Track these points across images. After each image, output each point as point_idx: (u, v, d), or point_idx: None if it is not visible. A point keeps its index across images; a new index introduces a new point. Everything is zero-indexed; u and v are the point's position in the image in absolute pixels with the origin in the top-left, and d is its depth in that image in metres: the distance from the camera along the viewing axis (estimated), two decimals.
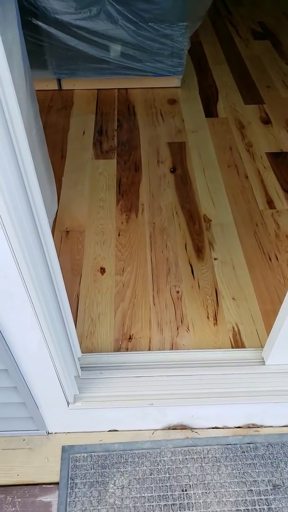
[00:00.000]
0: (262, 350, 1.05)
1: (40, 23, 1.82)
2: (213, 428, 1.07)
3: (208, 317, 1.18)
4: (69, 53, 1.93)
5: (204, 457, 1.04)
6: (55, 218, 1.47)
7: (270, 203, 1.55)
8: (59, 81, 2.12)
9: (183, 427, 1.07)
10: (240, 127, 1.92)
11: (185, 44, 1.95)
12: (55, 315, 0.81)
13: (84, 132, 1.90)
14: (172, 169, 1.70)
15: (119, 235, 1.43)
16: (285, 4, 2.98)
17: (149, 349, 1.10)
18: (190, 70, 2.31)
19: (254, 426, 1.08)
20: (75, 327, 0.98)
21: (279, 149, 1.79)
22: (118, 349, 1.10)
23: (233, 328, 1.16)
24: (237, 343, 1.12)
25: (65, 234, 1.42)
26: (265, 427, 1.08)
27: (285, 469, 1.03)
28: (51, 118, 1.98)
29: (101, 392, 0.98)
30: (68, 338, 0.90)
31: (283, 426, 1.08)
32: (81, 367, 1.00)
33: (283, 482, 1.01)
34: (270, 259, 1.35)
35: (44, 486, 0.99)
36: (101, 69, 2.03)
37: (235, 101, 2.09)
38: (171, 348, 1.11)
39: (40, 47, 1.91)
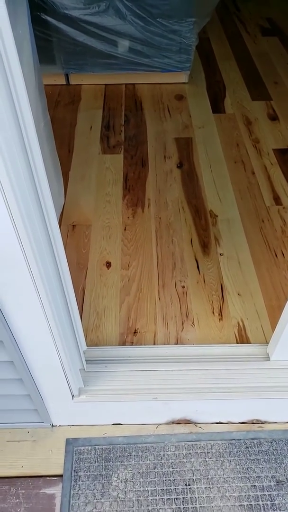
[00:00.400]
0: (267, 345, 1.05)
1: (49, 18, 1.82)
2: (217, 423, 1.07)
3: (213, 312, 1.18)
4: (77, 48, 1.93)
5: (207, 452, 1.04)
6: (62, 212, 1.47)
7: (277, 199, 1.54)
8: (67, 76, 2.12)
9: (187, 422, 1.07)
10: (247, 123, 1.91)
11: (193, 40, 1.94)
12: (62, 308, 0.81)
13: (91, 127, 1.90)
14: (178, 165, 1.70)
15: (125, 229, 1.43)
16: None
17: (154, 343, 1.10)
18: (198, 66, 2.29)
19: (258, 421, 1.08)
20: (80, 321, 0.98)
21: (286, 145, 1.78)
22: (123, 343, 1.10)
23: (238, 323, 1.15)
24: (242, 338, 1.12)
25: (71, 228, 1.43)
26: (269, 423, 1.08)
27: None
28: (59, 112, 1.98)
29: (105, 385, 0.98)
30: (74, 331, 0.90)
31: (287, 423, 1.08)
32: (86, 360, 1.01)
33: (286, 478, 1.00)
34: (276, 255, 1.34)
35: (48, 478, 1.00)
36: (109, 64, 2.02)
37: (242, 97, 2.08)
38: (176, 343, 1.11)
39: (48, 42, 1.91)
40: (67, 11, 1.77)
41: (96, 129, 1.88)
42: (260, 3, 2.91)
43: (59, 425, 1.06)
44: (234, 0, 2.96)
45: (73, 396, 0.97)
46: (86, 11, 1.78)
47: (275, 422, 1.08)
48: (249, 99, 2.06)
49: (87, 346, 1.05)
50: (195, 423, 1.07)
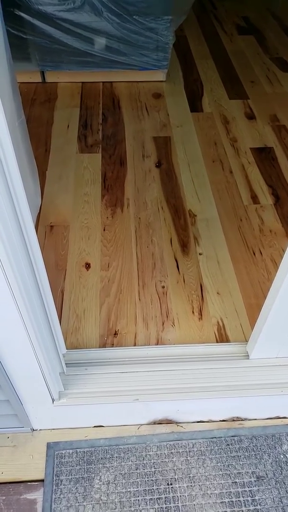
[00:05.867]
0: (246, 344, 1.06)
1: (22, 14, 1.77)
2: (198, 422, 1.08)
3: (193, 312, 1.18)
4: (53, 46, 1.90)
5: (189, 451, 1.05)
6: (39, 213, 1.45)
7: (254, 198, 1.56)
8: (42, 73, 2.09)
9: (168, 422, 1.07)
10: (224, 122, 1.92)
11: (170, 38, 1.94)
12: (39, 311, 0.80)
13: (68, 126, 1.87)
14: (157, 164, 1.70)
15: (104, 230, 1.42)
16: None
17: (135, 345, 1.10)
18: (175, 64, 2.30)
19: (238, 419, 1.10)
20: (59, 323, 0.97)
21: (263, 144, 1.81)
22: (103, 345, 1.10)
23: (217, 322, 1.17)
24: (222, 337, 1.13)
25: (49, 229, 1.40)
26: (249, 420, 1.10)
27: (268, 460, 1.04)
28: (35, 111, 1.95)
29: (86, 388, 0.97)
30: (52, 335, 0.89)
31: (267, 419, 1.10)
32: (66, 364, 1.00)
33: (266, 474, 1.02)
34: (254, 253, 1.36)
35: (29, 483, 0.98)
36: (86, 62, 2.00)
37: (220, 96, 2.09)
38: (157, 343, 1.11)
39: (23, 39, 1.86)
40: (42, 7, 1.73)
41: (73, 128, 1.85)
42: (236, 1, 2.94)
43: (40, 429, 1.05)
44: None
45: (53, 400, 0.96)
46: (61, 7, 1.75)
47: (255, 419, 1.10)
48: (227, 97, 2.08)
49: (66, 349, 1.04)
50: (177, 423, 1.08)
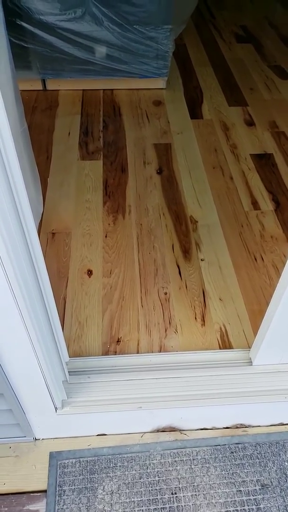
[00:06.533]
0: (249, 350, 1.06)
1: (24, 24, 1.79)
2: (202, 429, 1.07)
3: (195, 318, 1.18)
4: (53, 54, 1.91)
5: (193, 459, 1.04)
6: (41, 220, 1.45)
7: (255, 204, 1.56)
8: (43, 81, 2.10)
9: (172, 429, 1.07)
10: (224, 128, 1.93)
11: (169, 47, 1.96)
12: (42, 319, 0.79)
13: (69, 133, 1.88)
14: (158, 171, 1.71)
15: (106, 236, 1.42)
16: (266, 8, 3.03)
17: (138, 352, 1.10)
18: (175, 72, 2.32)
19: (242, 426, 1.09)
20: (62, 331, 0.97)
21: (263, 150, 1.82)
22: (106, 353, 1.09)
23: (220, 329, 1.16)
24: (225, 343, 1.13)
25: (51, 236, 1.40)
26: (253, 426, 1.09)
27: (273, 468, 1.03)
28: (36, 118, 1.96)
29: (89, 396, 0.96)
30: (55, 343, 0.88)
31: (270, 426, 1.09)
32: (69, 372, 0.99)
33: (271, 482, 1.01)
34: (255, 259, 1.36)
35: (31, 494, 0.97)
36: (87, 70, 2.01)
37: (219, 103, 2.11)
38: (160, 350, 1.10)
39: (24, 47, 1.88)
40: (43, 17, 1.75)
41: (74, 135, 1.86)
42: (234, 11, 2.98)
43: (42, 439, 1.04)
44: (209, 7, 3.01)
45: (56, 408, 0.95)
46: (62, 17, 1.77)
47: (259, 426, 1.09)
48: (226, 105, 2.10)
49: (69, 357, 1.03)
50: (180, 430, 1.07)
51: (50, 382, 0.88)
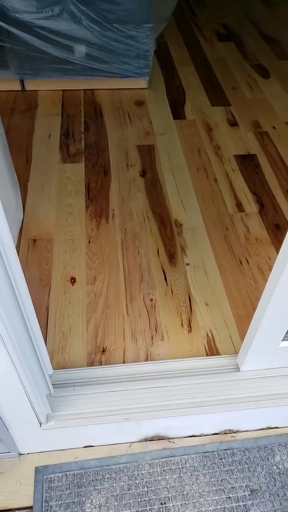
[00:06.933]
0: (236, 356, 1.05)
1: None
2: (190, 436, 1.07)
3: (182, 325, 1.17)
4: (31, 54, 1.86)
5: (182, 467, 1.03)
6: (21, 227, 1.41)
7: (239, 206, 1.56)
8: (22, 81, 2.05)
9: (160, 438, 1.05)
10: (207, 129, 1.92)
11: (150, 46, 1.93)
12: (21, 332, 0.77)
13: (49, 135, 1.84)
14: (141, 173, 1.68)
15: (89, 242, 1.39)
16: (247, 5, 3.03)
17: (124, 361, 1.08)
18: (157, 71, 2.29)
19: (230, 431, 1.08)
20: (44, 343, 0.94)
21: (246, 151, 1.81)
22: (91, 363, 1.07)
23: (207, 334, 1.15)
24: (212, 349, 1.12)
25: (32, 243, 1.37)
26: (242, 431, 1.08)
27: (261, 473, 1.03)
28: (15, 120, 1.91)
29: (74, 409, 0.94)
30: (37, 356, 0.86)
31: (259, 430, 1.09)
32: (53, 385, 0.97)
33: (260, 487, 1.01)
34: (241, 262, 1.36)
35: (17, 511, 0.94)
36: (66, 70, 1.97)
37: (202, 102, 2.09)
38: (146, 359, 1.09)
39: (0, 46, 1.82)
40: (19, 14, 1.70)
41: (55, 137, 1.82)
42: (215, 8, 2.96)
43: (27, 453, 1.01)
44: (190, 5, 2.99)
45: (40, 423, 0.92)
46: (39, 15, 1.72)
47: (247, 431, 1.09)
48: (209, 104, 2.09)
49: (53, 369, 1.01)
50: (168, 439, 1.06)
51: (33, 397, 0.85)
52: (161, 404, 0.96)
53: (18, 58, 1.89)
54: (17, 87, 2.07)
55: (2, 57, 1.87)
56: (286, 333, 0.93)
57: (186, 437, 1.06)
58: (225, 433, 1.08)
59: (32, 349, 0.83)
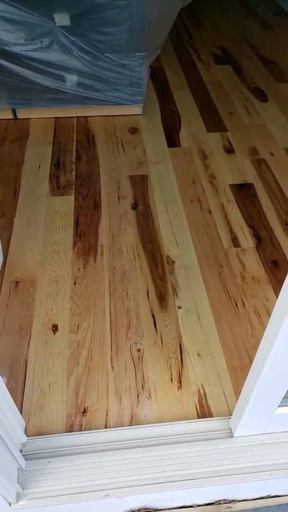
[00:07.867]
0: (229, 418, 0.95)
1: None
2: (181, 507, 0.96)
3: (171, 380, 1.07)
4: (22, 84, 1.82)
5: None
6: (4, 267, 1.34)
7: (235, 241, 1.47)
8: (14, 110, 2.01)
9: (147, 510, 0.95)
10: (203, 157, 1.85)
11: (143, 74, 1.88)
12: None
13: (39, 166, 1.78)
14: (133, 205, 1.61)
15: (75, 283, 1.31)
16: (245, 28, 3.01)
17: (106, 423, 0.98)
18: (152, 95, 2.25)
19: (225, 501, 0.98)
20: (17, 409, 0.85)
21: (243, 180, 1.74)
22: (71, 426, 0.98)
23: (198, 391, 1.06)
24: (203, 408, 1.02)
25: (14, 286, 1.29)
26: (238, 501, 0.98)
27: None
28: (5, 150, 1.86)
29: (49, 485, 0.85)
30: (5, 429, 0.77)
31: (257, 499, 0.98)
32: (26, 455, 0.87)
33: None
34: (236, 305, 1.27)
35: None
36: (58, 99, 1.93)
37: (197, 128, 2.03)
38: (131, 421, 0.99)
39: None
40: (8, 47, 1.66)
41: (45, 168, 1.77)
42: (212, 31, 2.94)
43: None
44: (187, 28, 2.97)
45: (9, 503, 0.83)
46: (28, 47, 1.68)
47: (245, 500, 0.98)
48: (205, 130, 2.02)
49: (28, 436, 0.92)
50: (157, 510, 0.95)
51: None
52: (146, 477, 0.87)
53: (8, 88, 1.85)
54: (10, 115, 2.03)
55: None
56: (282, 399, 0.84)
57: (176, 508, 0.96)
58: (219, 503, 0.98)
59: None
